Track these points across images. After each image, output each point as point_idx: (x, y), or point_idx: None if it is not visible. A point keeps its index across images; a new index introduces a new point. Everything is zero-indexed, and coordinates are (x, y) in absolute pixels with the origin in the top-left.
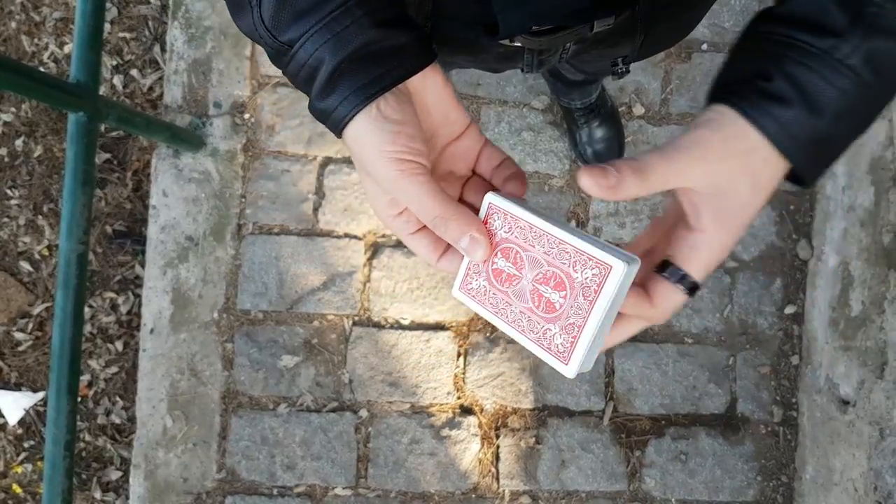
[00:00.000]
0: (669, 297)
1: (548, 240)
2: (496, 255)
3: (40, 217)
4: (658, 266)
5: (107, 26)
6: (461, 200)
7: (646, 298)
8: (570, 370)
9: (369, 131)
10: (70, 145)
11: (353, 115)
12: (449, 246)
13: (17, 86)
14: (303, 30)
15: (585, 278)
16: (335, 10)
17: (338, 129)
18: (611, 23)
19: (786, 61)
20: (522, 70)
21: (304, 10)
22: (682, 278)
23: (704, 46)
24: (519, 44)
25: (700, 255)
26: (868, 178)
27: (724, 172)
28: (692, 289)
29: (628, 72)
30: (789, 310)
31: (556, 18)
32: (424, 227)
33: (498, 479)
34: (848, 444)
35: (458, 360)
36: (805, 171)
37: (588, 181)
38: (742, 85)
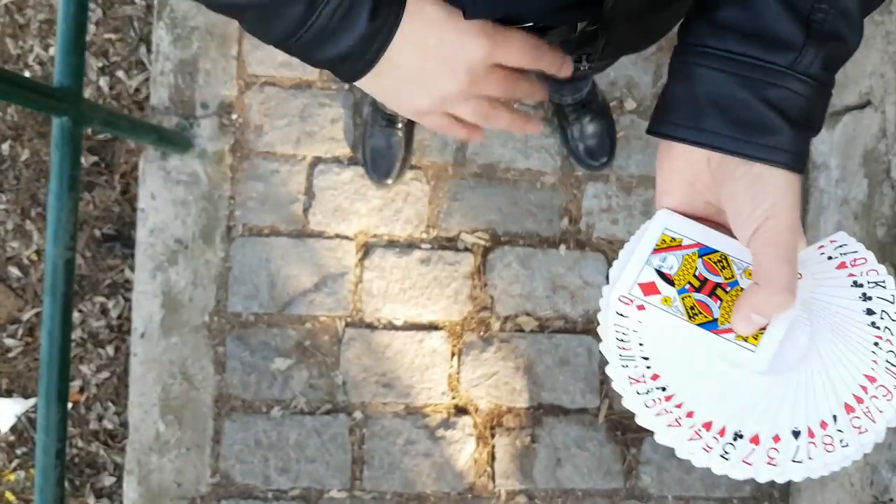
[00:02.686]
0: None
1: None
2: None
3: (28, 222)
4: None
5: (91, 27)
6: None
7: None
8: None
9: (432, 9)
10: (55, 150)
11: (402, 18)
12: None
13: None
14: None
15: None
16: None
17: (391, 34)
18: (594, 25)
19: (759, 85)
20: None
21: None
22: None
23: None
24: None
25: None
26: (861, 170)
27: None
28: None
29: (590, 70)
30: None
31: (531, 17)
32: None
33: (494, 479)
34: None
35: (451, 359)
36: (802, 170)
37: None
38: (726, 125)
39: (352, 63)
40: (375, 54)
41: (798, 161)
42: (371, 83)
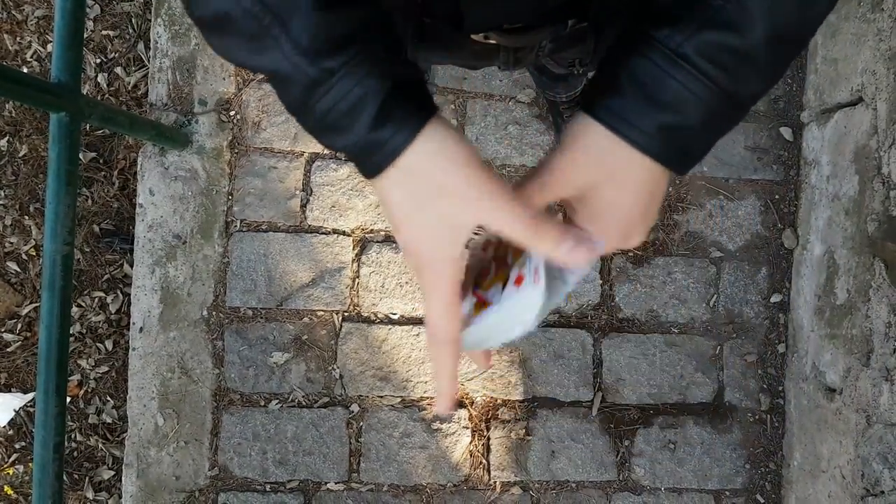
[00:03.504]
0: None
1: None
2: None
3: (27, 217)
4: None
5: (90, 24)
6: None
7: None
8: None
9: (449, 145)
10: (53, 146)
11: (415, 138)
12: None
13: None
14: (346, 56)
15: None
16: (373, 36)
17: (390, 158)
18: (585, 22)
19: (632, 55)
20: (499, 68)
21: (343, 36)
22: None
23: None
24: (494, 41)
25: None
26: (853, 166)
27: (585, 179)
28: None
29: (586, 74)
30: (775, 298)
31: (526, 17)
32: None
33: (489, 471)
34: (835, 431)
35: None
36: (670, 163)
37: None
38: (597, 89)
39: (360, 162)
40: (379, 166)
41: (636, 133)
42: (386, 193)
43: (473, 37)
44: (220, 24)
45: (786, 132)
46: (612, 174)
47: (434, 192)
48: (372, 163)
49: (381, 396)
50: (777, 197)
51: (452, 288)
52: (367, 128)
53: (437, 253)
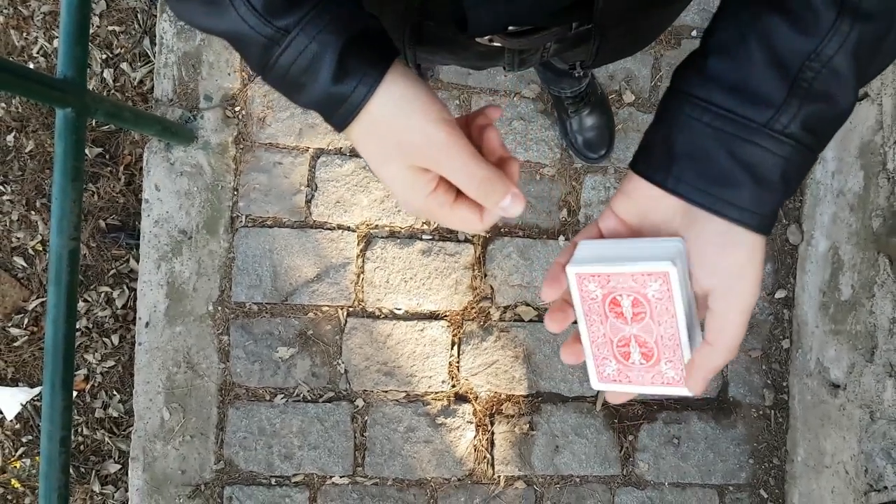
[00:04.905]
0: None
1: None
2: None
3: (33, 212)
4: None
5: (95, 19)
6: None
7: None
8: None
9: (408, 97)
10: (58, 141)
11: (375, 90)
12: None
13: (2, 82)
14: (300, 13)
15: (654, 293)
16: None
17: (355, 111)
18: (589, 24)
19: (727, 139)
20: (505, 69)
21: None
22: None
23: (694, 33)
24: (498, 44)
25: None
26: (857, 162)
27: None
28: None
29: (586, 76)
30: (780, 294)
31: (531, 19)
32: (458, 196)
33: (493, 466)
34: (839, 427)
35: (452, 348)
36: (767, 231)
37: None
38: (691, 173)
39: (327, 116)
40: (344, 119)
41: (758, 220)
42: (358, 144)
43: (478, 39)
44: None
45: None
46: (743, 265)
47: (396, 145)
48: (338, 115)
49: (386, 391)
50: None
51: (441, 212)
52: (327, 82)
53: (408, 197)
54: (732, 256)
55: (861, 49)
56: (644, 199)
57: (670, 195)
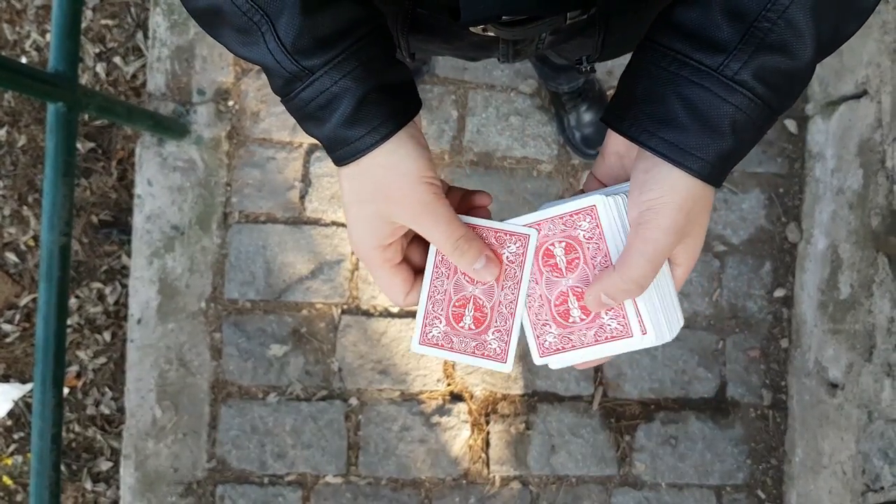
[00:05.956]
0: None
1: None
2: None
3: (25, 208)
4: None
5: (88, 13)
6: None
7: None
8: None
9: (406, 156)
10: (50, 136)
11: (381, 144)
12: (415, 284)
13: None
14: (328, 56)
15: (584, 233)
16: (361, 39)
17: (355, 156)
18: (584, 14)
19: (684, 83)
20: (499, 60)
21: (328, 37)
22: None
23: None
24: (492, 33)
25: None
26: (857, 160)
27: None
28: None
29: (594, 71)
30: (778, 293)
31: (525, 8)
32: (403, 260)
33: (488, 465)
34: (837, 427)
35: None
36: (716, 181)
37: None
38: (643, 116)
39: (328, 151)
40: (343, 159)
41: (699, 164)
42: (342, 180)
43: (472, 29)
44: (210, 17)
45: (790, 125)
46: (657, 198)
47: (378, 194)
48: (339, 154)
49: (381, 390)
50: (781, 190)
51: (382, 268)
52: (338, 124)
53: (362, 239)
54: (654, 191)
55: (819, 3)
56: (613, 156)
57: (634, 146)
